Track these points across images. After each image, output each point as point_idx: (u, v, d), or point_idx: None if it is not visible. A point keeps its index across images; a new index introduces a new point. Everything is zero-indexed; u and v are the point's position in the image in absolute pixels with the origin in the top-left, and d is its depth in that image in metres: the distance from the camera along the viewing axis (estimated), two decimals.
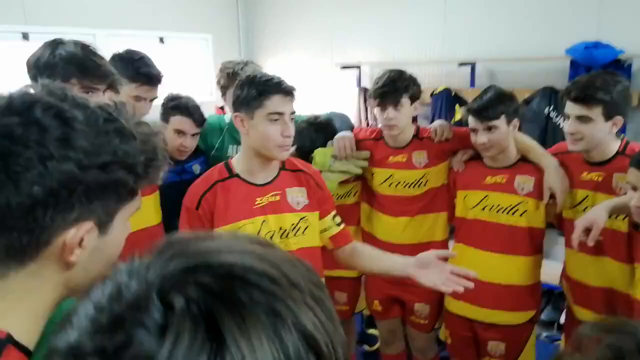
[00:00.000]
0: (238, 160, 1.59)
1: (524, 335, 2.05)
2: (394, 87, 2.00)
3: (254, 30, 4.49)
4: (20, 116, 0.59)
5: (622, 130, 2.87)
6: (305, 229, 1.59)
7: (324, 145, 2.19)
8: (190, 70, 4.13)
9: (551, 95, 3.11)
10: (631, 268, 1.70)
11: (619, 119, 1.74)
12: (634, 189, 1.53)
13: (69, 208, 0.61)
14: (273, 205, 1.55)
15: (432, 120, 3.48)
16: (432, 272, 1.50)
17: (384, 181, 2.13)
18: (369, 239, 2.20)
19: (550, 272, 2.37)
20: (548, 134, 3.12)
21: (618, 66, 2.95)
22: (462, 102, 3.41)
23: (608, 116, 1.71)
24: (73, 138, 0.60)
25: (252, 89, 1.49)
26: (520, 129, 1.97)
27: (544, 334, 2.81)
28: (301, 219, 1.58)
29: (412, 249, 2.08)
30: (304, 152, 2.22)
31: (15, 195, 0.58)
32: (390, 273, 1.68)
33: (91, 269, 0.67)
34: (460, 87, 3.45)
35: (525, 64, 3.25)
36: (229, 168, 1.58)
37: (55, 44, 1.50)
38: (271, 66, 4.36)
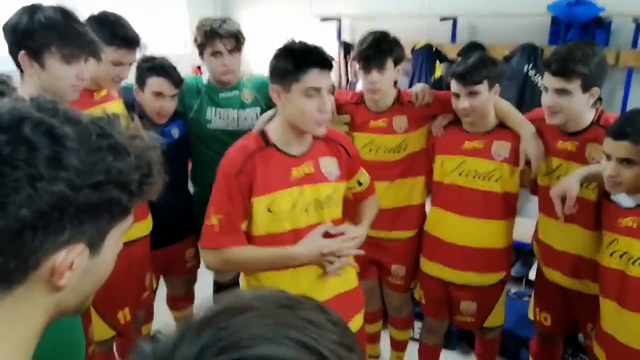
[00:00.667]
0: (274, 129, 1.56)
1: (494, 295, 2.15)
2: (379, 49, 1.97)
3: None
4: (8, 133, 0.56)
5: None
6: (337, 199, 1.61)
7: None
8: (164, 22, 3.95)
9: (530, 53, 3.10)
10: (598, 235, 1.78)
11: (596, 90, 1.75)
12: (608, 158, 1.57)
13: (59, 230, 0.58)
14: (309, 176, 1.55)
15: (413, 76, 3.46)
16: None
17: (364, 146, 2.13)
18: None
19: (522, 229, 2.45)
20: (526, 92, 3.13)
21: (598, 24, 2.94)
22: (442, 58, 3.38)
23: (586, 88, 1.73)
24: (64, 157, 0.57)
25: (288, 61, 1.44)
26: (501, 83, 1.96)
27: (513, 289, 2.94)
28: (334, 189, 1.60)
29: (390, 213, 2.13)
30: None
31: (1, 219, 0.55)
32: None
33: (81, 290, 0.65)
34: (442, 43, 3.40)
35: (507, 20, 3.21)
36: (265, 137, 1.55)
37: (33, 8, 1.43)
38: (247, 18, 4.20)
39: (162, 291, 2.61)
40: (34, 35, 1.40)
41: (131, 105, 2.07)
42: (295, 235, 1.52)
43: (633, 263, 1.59)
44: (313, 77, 1.44)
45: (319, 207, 1.56)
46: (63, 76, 1.45)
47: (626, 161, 1.52)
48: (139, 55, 1.94)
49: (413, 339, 2.59)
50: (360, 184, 1.76)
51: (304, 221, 1.53)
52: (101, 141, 0.61)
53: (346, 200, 1.73)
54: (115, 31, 1.79)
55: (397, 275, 2.29)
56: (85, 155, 0.59)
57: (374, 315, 2.52)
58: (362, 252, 1.59)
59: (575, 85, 1.72)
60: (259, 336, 0.41)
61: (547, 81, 1.78)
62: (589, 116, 1.83)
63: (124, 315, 2.00)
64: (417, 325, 2.65)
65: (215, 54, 2.16)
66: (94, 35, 1.50)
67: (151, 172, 0.66)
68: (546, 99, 1.79)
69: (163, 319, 2.49)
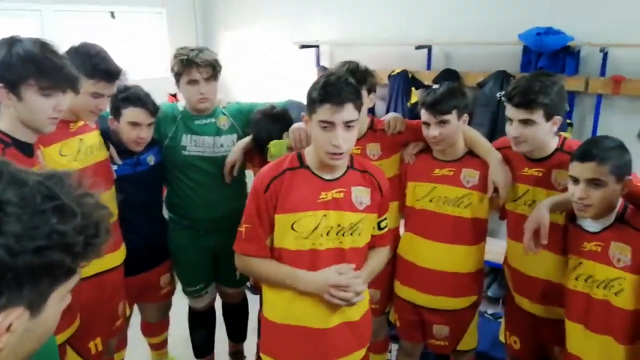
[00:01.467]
0: (309, 152, 1.62)
1: (467, 318, 2.18)
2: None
3: (210, 4, 4.35)
4: None
5: (568, 115, 3.01)
6: (362, 230, 1.62)
7: (279, 135, 2.20)
8: (144, 47, 3.98)
9: (503, 80, 3.19)
10: (566, 259, 1.83)
11: (558, 118, 1.82)
12: (576, 182, 1.63)
13: None
14: (336, 202, 1.58)
15: (390, 101, 3.54)
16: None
17: None
18: None
19: (497, 250, 2.50)
20: (499, 118, 3.20)
21: (567, 52, 3.05)
22: (418, 84, 3.46)
23: (548, 117, 1.80)
24: (3, 223, 0.57)
25: (314, 92, 1.51)
26: (472, 114, 2.02)
27: (489, 310, 2.97)
28: (361, 219, 1.62)
29: None
30: (260, 142, 2.22)
31: None
32: None
33: (20, 351, 0.64)
34: (417, 69, 3.49)
35: (480, 48, 3.31)
36: (300, 158, 1.62)
37: (12, 41, 1.44)
38: (228, 42, 4.27)
39: (137, 318, 2.60)
40: (12, 68, 1.41)
41: (106, 134, 2.08)
42: (314, 255, 1.57)
43: (597, 286, 1.64)
44: (326, 111, 1.48)
45: (341, 234, 1.59)
46: (40, 108, 1.46)
47: (594, 182, 1.58)
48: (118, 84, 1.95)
49: None
50: (380, 228, 1.75)
51: (324, 244, 1.57)
52: (46, 203, 0.60)
53: None
54: (96, 64, 1.80)
55: (372, 299, 2.30)
56: (27, 219, 0.58)
57: None
58: (363, 297, 1.61)
59: (538, 115, 1.78)
60: None
61: (510, 113, 1.84)
62: (553, 143, 1.90)
63: (95, 345, 1.98)
64: (395, 347, 2.65)
65: (192, 82, 2.19)
66: (72, 68, 1.52)
67: (98, 232, 0.66)
68: (511, 130, 1.86)
69: (138, 344, 2.46)
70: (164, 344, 2.75)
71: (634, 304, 1.56)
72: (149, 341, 2.70)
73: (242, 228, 1.62)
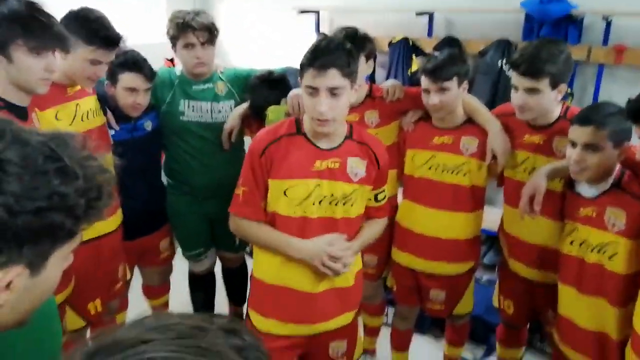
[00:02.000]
0: (306, 119, 1.59)
1: (463, 283, 2.23)
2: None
3: None
4: None
5: (569, 85, 3.00)
6: (355, 200, 1.61)
7: (277, 101, 2.19)
8: (140, 11, 3.91)
9: (505, 48, 3.15)
10: (562, 225, 1.85)
11: (563, 87, 1.82)
12: (573, 145, 1.64)
13: None
14: (330, 172, 1.57)
15: (390, 69, 3.50)
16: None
17: None
18: None
19: (494, 218, 2.52)
20: (500, 87, 3.18)
21: (570, 21, 3.00)
22: (419, 52, 3.41)
23: (554, 85, 1.79)
24: (4, 182, 0.57)
25: (304, 57, 1.49)
26: (473, 82, 2.01)
27: (485, 277, 3.02)
28: (354, 190, 1.60)
29: None
30: (257, 109, 2.21)
31: None
32: None
33: (21, 308, 0.65)
34: (418, 37, 3.43)
35: (482, 15, 3.25)
36: (298, 124, 1.60)
37: None
38: (226, 9, 4.19)
39: (139, 280, 2.64)
40: None
41: (104, 98, 2.07)
42: (305, 223, 1.57)
43: (591, 251, 1.67)
44: (309, 76, 1.46)
45: (333, 204, 1.58)
46: (30, 68, 1.44)
47: (591, 147, 1.59)
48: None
49: (386, 324, 2.66)
50: (377, 200, 1.74)
51: (315, 212, 1.57)
52: (48, 164, 0.60)
53: None
54: (95, 31, 1.76)
55: (369, 265, 2.35)
56: (28, 180, 0.58)
57: None
58: (348, 269, 1.62)
59: (544, 84, 1.78)
60: None
61: (516, 81, 1.83)
62: (557, 111, 1.90)
63: (94, 306, 2.02)
64: (391, 310, 2.72)
65: (188, 46, 2.17)
66: (61, 27, 1.49)
67: (100, 195, 0.65)
68: (516, 98, 1.85)
69: (140, 307, 2.51)
70: (165, 307, 2.80)
71: (626, 268, 1.60)
72: (150, 303, 2.75)
73: (240, 191, 1.61)
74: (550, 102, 1.83)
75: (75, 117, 1.86)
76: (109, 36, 1.79)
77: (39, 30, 1.42)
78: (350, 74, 1.48)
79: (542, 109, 1.84)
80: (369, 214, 1.75)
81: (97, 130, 1.94)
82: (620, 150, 1.60)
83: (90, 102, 1.94)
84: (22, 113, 1.52)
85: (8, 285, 0.60)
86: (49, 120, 1.74)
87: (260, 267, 1.69)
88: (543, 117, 1.89)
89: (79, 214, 0.63)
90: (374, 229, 1.75)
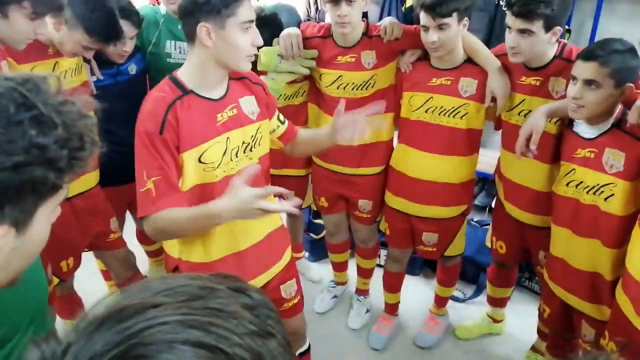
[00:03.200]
0: (188, 73, 1.43)
1: (455, 226, 2.25)
2: None
3: None
4: None
5: (567, 21, 2.91)
6: (261, 138, 1.55)
7: (269, 42, 2.08)
8: None
9: None
10: (556, 168, 1.85)
11: (558, 29, 1.76)
12: (574, 80, 1.60)
13: None
14: (233, 120, 1.47)
15: (383, 5, 3.35)
16: (347, 130, 1.56)
17: (332, 83, 2.10)
18: None
19: (486, 160, 2.53)
20: (496, 24, 3.08)
21: None
22: None
23: (548, 28, 1.73)
24: None
25: None
26: (470, 17, 1.92)
27: (476, 218, 3.07)
28: (258, 129, 1.54)
29: (359, 150, 2.14)
30: None
31: None
32: (324, 148, 1.81)
33: (10, 268, 0.62)
34: None
35: None
36: (179, 84, 1.41)
37: None
38: None
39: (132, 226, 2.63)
40: None
41: None
42: (228, 182, 1.36)
43: (587, 192, 1.67)
44: (247, 10, 1.36)
45: (248, 150, 1.51)
46: (22, 30, 1.41)
47: (591, 83, 1.55)
48: None
49: (379, 265, 2.72)
50: (281, 122, 1.67)
51: (235, 167, 1.47)
52: (21, 113, 0.55)
53: (277, 152, 1.70)
54: (100, 27, 1.69)
55: (364, 209, 2.35)
56: (2, 132, 0.53)
57: (342, 246, 2.62)
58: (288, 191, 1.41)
59: (537, 26, 1.72)
60: (159, 341, 0.37)
61: (509, 21, 1.77)
62: (551, 51, 1.84)
63: (67, 264, 2.00)
64: (383, 253, 2.76)
65: None
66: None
67: (83, 144, 0.60)
68: (508, 39, 1.79)
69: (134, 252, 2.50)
70: (160, 251, 2.80)
71: (622, 209, 1.60)
72: (145, 249, 2.76)
73: (150, 185, 1.34)
74: (543, 44, 1.77)
75: None
76: (111, 35, 1.75)
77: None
78: None
79: (534, 52, 1.79)
80: (290, 138, 1.70)
81: (75, 91, 1.85)
82: (622, 90, 1.56)
83: (70, 60, 1.85)
84: None
85: None
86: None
87: (188, 248, 1.53)
88: (537, 59, 1.84)
89: (61, 166, 0.58)
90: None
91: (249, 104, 1.53)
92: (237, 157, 1.48)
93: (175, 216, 1.35)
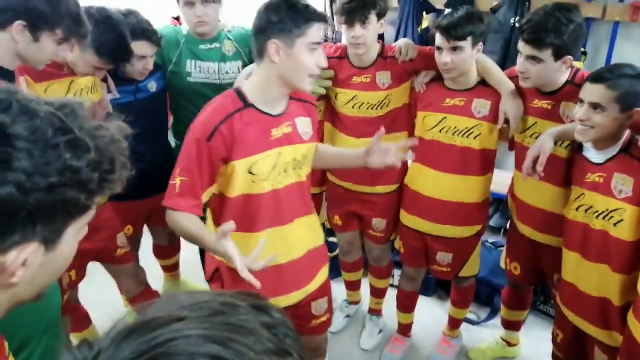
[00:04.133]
0: (252, 88, 1.52)
1: (470, 246, 2.24)
2: (362, 3, 1.93)
3: None
4: None
5: (583, 44, 2.92)
6: (310, 158, 1.64)
7: None
8: None
9: (518, 6, 3.05)
10: (567, 191, 1.84)
11: (569, 58, 1.78)
12: (581, 102, 1.61)
13: (8, 233, 0.56)
14: (287, 137, 1.55)
15: (399, 26, 3.40)
16: (378, 156, 1.62)
17: (347, 102, 2.13)
18: None
19: (501, 181, 2.51)
20: (512, 46, 3.10)
21: None
22: (430, 8, 3.31)
23: (558, 57, 1.75)
24: (13, 158, 0.54)
25: (294, 14, 1.42)
26: (485, 41, 1.95)
27: (490, 239, 3.04)
28: (308, 149, 1.62)
29: (373, 169, 2.15)
30: None
31: None
32: (346, 166, 1.96)
33: (37, 283, 0.64)
34: None
35: None
36: (242, 97, 1.50)
37: None
38: None
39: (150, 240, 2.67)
40: (46, 15, 1.40)
41: None
42: (274, 195, 1.53)
43: (597, 217, 1.66)
44: (316, 31, 1.44)
45: (298, 167, 1.58)
46: (49, 52, 1.47)
47: (597, 107, 1.56)
48: None
49: (392, 285, 2.70)
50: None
51: (282, 181, 1.55)
52: (58, 137, 0.57)
53: None
54: (110, 50, 1.79)
55: (377, 228, 2.36)
56: (38, 155, 0.55)
57: (355, 264, 2.62)
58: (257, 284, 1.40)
59: (546, 54, 1.74)
60: (182, 352, 0.40)
61: (520, 46, 1.80)
62: (563, 77, 1.86)
63: (69, 275, 2.02)
64: (397, 272, 2.75)
65: (188, 4, 2.10)
66: (89, 24, 1.54)
67: (113, 168, 0.63)
68: (518, 63, 1.83)
69: (150, 267, 2.53)
70: (175, 266, 2.84)
71: (631, 235, 1.59)
72: (161, 263, 2.79)
73: (176, 181, 1.46)
74: (552, 72, 1.80)
75: (67, 94, 1.85)
76: (120, 56, 1.84)
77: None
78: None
79: (542, 78, 1.81)
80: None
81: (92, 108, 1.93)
82: (629, 114, 1.55)
83: (86, 79, 1.92)
84: (7, 76, 1.50)
85: (24, 263, 0.59)
86: (38, 94, 1.72)
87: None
88: (547, 85, 1.87)
89: (92, 188, 0.61)
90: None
91: (304, 125, 1.60)
92: (285, 172, 1.55)
93: (185, 224, 1.47)
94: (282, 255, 1.59)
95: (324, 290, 1.80)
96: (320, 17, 1.46)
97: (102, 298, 2.46)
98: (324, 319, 1.82)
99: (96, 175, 0.60)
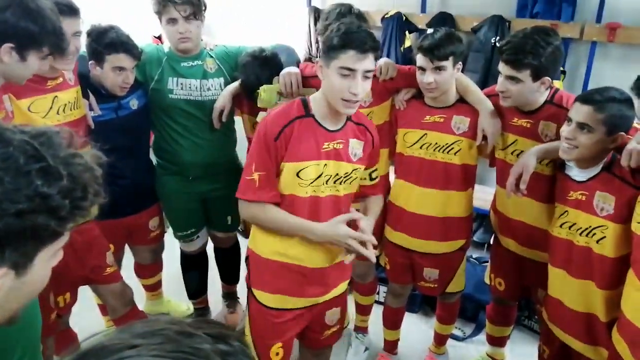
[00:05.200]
0: (315, 100, 1.64)
1: (455, 261, 2.25)
2: None
3: None
4: None
5: (562, 64, 2.98)
6: (353, 178, 1.70)
7: (269, 80, 2.15)
8: None
9: (499, 25, 3.12)
10: (550, 208, 1.86)
11: (547, 79, 1.82)
12: (569, 121, 1.64)
13: None
14: (336, 152, 1.64)
15: (383, 45, 3.45)
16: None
17: None
18: None
19: (484, 197, 2.54)
20: (493, 64, 3.15)
21: None
22: (412, 27, 3.37)
23: (536, 77, 1.80)
24: None
25: (334, 38, 1.51)
26: (465, 60, 1.99)
27: (475, 255, 3.05)
28: (354, 169, 1.68)
29: None
30: (249, 87, 2.18)
31: None
32: None
33: (8, 307, 0.64)
34: (412, 12, 3.38)
35: None
36: (306, 106, 1.63)
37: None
38: None
39: (131, 259, 2.64)
40: (34, 35, 1.40)
41: (85, 77, 2.03)
42: (314, 202, 1.63)
43: (580, 234, 1.68)
44: (349, 58, 1.49)
45: (338, 182, 1.66)
46: (34, 69, 1.47)
47: (584, 127, 1.59)
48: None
49: (378, 302, 2.69)
50: (372, 178, 1.84)
51: (325, 191, 1.64)
52: (30, 164, 0.58)
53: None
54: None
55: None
56: (9, 181, 0.56)
57: None
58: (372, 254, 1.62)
59: (524, 75, 1.79)
60: None
61: (500, 66, 1.86)
62: (542, 98, 1.91)
63: (64, 299, 2.00)
64: (383, 289, 2.74)
65: (171, 21, 2.12)
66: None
67: (86, 195, 0.64)
68: (499, 83, 1.88)
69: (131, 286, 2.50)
70: (158, 285, 2.81)
71: (614, 251, 1.61)
72: (142, 282, 2.76)
73: (255, 176, 1.60)
74: (531, 92, 1.84)
75: (51, 110, 1.84)
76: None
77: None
78: (377, 58, 1.63)
79: (521, 97, 1.86)
80: (365, 193, 1.85)
81: (72, 124, 1.90)
82: (614, 137, 1.59)
83: (70, 95, 1.91)
84: None
85: None
86: (21, 111, 1.73)
87: (265, 246, 1.72)
88: (527, 105, 1.91)
89: (63, 215, 0.61)
90: (378, 205, 1.87)
91: (356, 146, 1.69)
92: (326, 184, 1.64)
93: (274, 214, 1.62)
94: (311, 260, 1.69)
95: (340, 302, 1.86)
96: (358, 46, 1.48)
97: (92, 320, 2.42)
98: (334, 329, 1.89)
99: (67, 202, 0.61)
